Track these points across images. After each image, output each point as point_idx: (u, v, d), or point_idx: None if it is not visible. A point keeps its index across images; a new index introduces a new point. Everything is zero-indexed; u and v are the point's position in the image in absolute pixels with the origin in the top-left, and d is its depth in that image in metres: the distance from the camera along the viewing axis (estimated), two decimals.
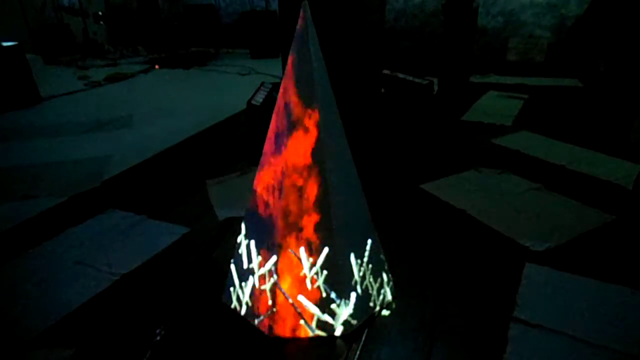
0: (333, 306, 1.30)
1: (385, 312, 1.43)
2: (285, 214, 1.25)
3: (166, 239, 1.88)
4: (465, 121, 3.42)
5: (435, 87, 4.28)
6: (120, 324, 1.42)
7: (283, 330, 1.32)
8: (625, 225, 1.90)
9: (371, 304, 1.40)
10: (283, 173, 1.24)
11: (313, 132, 1.22)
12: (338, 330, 1.32)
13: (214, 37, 7.06)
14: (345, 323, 1.32)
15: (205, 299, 1.51)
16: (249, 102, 3.76)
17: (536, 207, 2.06)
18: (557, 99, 3.97)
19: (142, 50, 7.13)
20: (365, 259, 1.36)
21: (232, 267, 1.44)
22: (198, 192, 2.32)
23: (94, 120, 3.71)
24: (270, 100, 3.51)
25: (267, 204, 1.30)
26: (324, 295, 1.29)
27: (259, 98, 3.70)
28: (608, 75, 4.27)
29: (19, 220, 2.07)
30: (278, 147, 1.26)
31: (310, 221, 1.25)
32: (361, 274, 1.34)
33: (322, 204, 1.24)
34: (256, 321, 1.35)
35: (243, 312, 1.39)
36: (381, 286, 1.43)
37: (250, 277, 1.36)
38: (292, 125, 1.21)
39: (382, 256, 1.46)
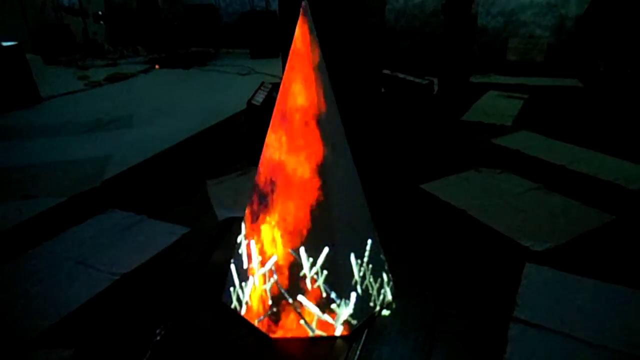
0: (333, 306, 1.30)
1: (385, 312, 1.43)
2: (285, 212, 1.25)
3: (166, 239, 1.88)
4: (465, 121, 3.42)
5: (435, 87, 4.28)
6: (120, 324, 1.42)
7: (283, 330, 1.32)
8: (625, 225, 1.90)
9: (371, 304, 1.40)
10: (283, 172, 1.24)
11: (313, 132, 1.22)
12: (338, 330, 1.32)
13: (214, 37, 7.06)
14: (345, 323, 1.32)
15: (205, 299, 1.51)
16: (249, 102, 3.76)
17: (536, 207, 2.06)
18: (557, 99, 3.97)
19: (142, 50, 7.13)
20: (365, 259, 1.36)
21: (232, 267, 1.44)
22: (198, 192, 2.32)
23: (94, 120, 3.71)
24: (270, 100, 3.51)
25: (267, 202, 1.30)
26: (324, 295, 1.29)
27: (259, 98, 3.71)
28: (608, 75, 4.27)
29: (19, 220, 2.07)
30: (278, 147, 1.26)
31: (310, 221, 1.25)
32: (361, 274, 1.34)
33: (322, 204, 1.24)
34: (256, 321, 1.35)
35: (243, 312, 1.39)
36: (381, 286, 1.43)
37: (250, 277, 1.36)
38: (292, 124, 1.21)
39: (382, 256, 1.46)
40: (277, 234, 1.28)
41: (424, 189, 2.28)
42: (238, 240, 1.43)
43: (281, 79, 1.27)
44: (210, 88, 4.91)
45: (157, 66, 6.02)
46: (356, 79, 2.99)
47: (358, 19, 2.86)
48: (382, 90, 4.02)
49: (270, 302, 1.32)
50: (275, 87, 3.66)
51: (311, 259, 1.27)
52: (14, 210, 2.17)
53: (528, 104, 3.80)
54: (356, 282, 1.33)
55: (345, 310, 1.31)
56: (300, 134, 1.22)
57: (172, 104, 4.20)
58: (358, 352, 1.27)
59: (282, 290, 1.30)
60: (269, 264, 1.30)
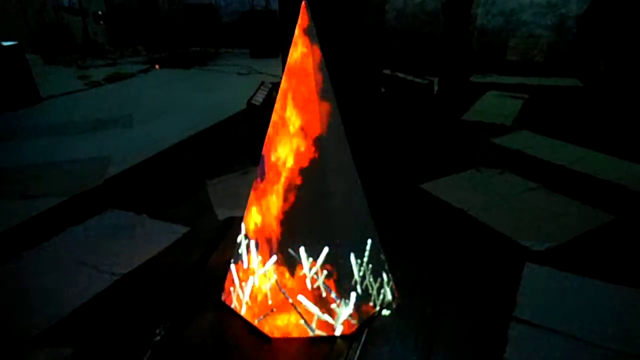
0: (333, 306, 1.30)
1: (385, 312, 1.43)
2: (286, 212, 1.25)
3: (166, 238, 1.87)
4: (465, 121, 3.42)
5: (435, 87, 4.28)
6: (120, 324, 1.42)
7: (283, 330, 1.32)
8: (625, 225, 1.90)
9: (371, 304, 1.40)
10: (283, 172, 1.24)
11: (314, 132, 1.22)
12: (338, 330, 1.32)
13: (213, 37, 7.06)
14: (345, 323, 1.32)
15: (205, 299, 1.51)
16: (248, 101, 3.76)
17: (536, 207, 2.06)
18: (557, 99, 3.97)
19: (142, 50, 7.13)
20: (365, 259, 1.36)
21: (232, 267, 1.44)
22: (198, 192, 2.32)
23: (94, 120, 3.71)
24: (270, 100, 3.51)
25: (267, 202, 1.30)
26: (324, 295, 1.29)
27: (259, 98, 3.70)
28: (608, 74, 4.27)
29: (19, 220, 2.07)
30: (277, 146, 1.26)
31: (310, 221, 1.25)
32: (361, 274, 1.34)
33: (322, 204, 1.24)
34: (256, 321, 1.35)
35: (243, 312, 1.39)
36: (381, 286, 1.43)
37: (250, 277, 1.36)
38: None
39: (382, 256, 1.46)
40: (277, 234, 1.28)
41: (424, 188, 2.28)
42: (238, 240, 1.43)
43: (281, 78, 1.27)
44: (210, 88, 4.91)
45: (157, 66, 6.02)
46: (356, 79, 2.99)
47: (358, 18, 2.86)
48: (382, 90, 4.02)
49: (270, 302, 1.32)
50: (275, 86, 3.66)
51: (311, 259, 1.27)
52: (13, 210, 2.17)
53: (528, 103, 3.80)
54: (356, 282, 1.33)
55: (345, 310, 1.31)
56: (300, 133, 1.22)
57: (172, 104, 4.20)
58: (358, 352, 1.27)
59: (282, 290, 1.30)
60: (269, 264, 1.30)
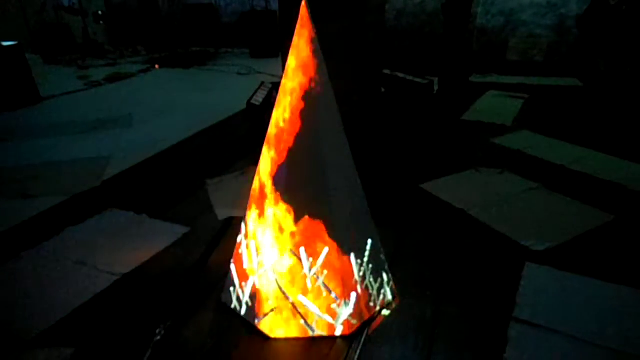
0: (333, 306, 1.30)
1: (385, 312, 1.43)
2: (286, 212, 1.25)
3: (166, 238, 1.87)
4: (465, 121, 3.42)
5: (435, 87, 4.28)
6: (120, 324, 1.42)
7: (283, 330, 1.32)
8: (625, 225, 1.90)
9: (371, 304, 1.40)
10: (283, 172, 1.24)
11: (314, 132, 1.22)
12: (338, 330, 1.32)
13: (213, 37, 7.06)
14: (345, 323, 1.32)
15: (205, 299, 1.51)
16: (248, 102, 3.76)
17: (536, 207, 2.06)
18: (557, 99, 3.97)
19: (142, 50, 7.13)
20: (365, 259, 1.36)
21: (232, 267, 1.44)
22: (198, 192, 2.32)
23: (94, 120, 3.71)
24: (270, 100, 3.51)
25: (267, 201, 1.30)
26: (324, 295, 1.29)
27: (259, 98, 3.71)
28: (608, 75, 4.27)
29: (18, 220, 2.07)
30: (278, 147, 1.26)
31: (310, 221, 1.25)
32: (361, 274, 1.34)
33: (322, 203, 1.24)
34: (256, 321, 1.35)
35: (243, 312, 1.39)
36: (381, 286, 1.43)
37: (250, 277, 1.36)
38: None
39: (382, 256, 1.46)
40: (277, 234, 1.28)
41: (424, 188, 2.28)
42: (238, 240, 1.43)
43: (281, 78, 1.27)
44: (210, 88, 4.91)
45: (157, 66, 6.02)
46: (356, 79, 2.99)
47: (358, 18, 2.86)
48: (382, 90, 4.02)
49: (270, 302, 1.32)
50: (275, 86, 3.67)
51: (311, 259, 1.27)
52: (13, 210, 2.17)
53: (528, 103, 3.80)
54: (356, 282, 1.33)
55: (345, 310, 1.31)
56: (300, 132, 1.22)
57: (171, 104, 4.20)
58: (358, 352, 1.27)
59: (282, 290, 1.29)
60: (270, 264, 1.30)
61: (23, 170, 2.70)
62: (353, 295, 1.31)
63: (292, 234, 1.26)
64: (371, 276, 1.38)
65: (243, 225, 1.41)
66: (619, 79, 4.13)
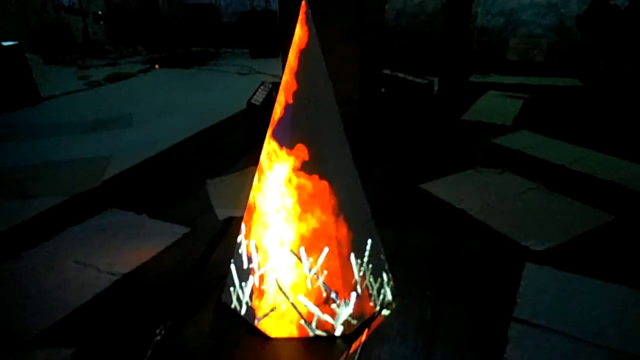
0: (333, 306, 1.30)
1: (385, 312, 1.43)
2: (286, 212, 1.25)
3: (166, 239, 1.88)
4: (465, 121, 3.42)
5: (435, 87, 4.28)
6: (120, 324, 1.42)
7: (283, 330, 1.32)
8: (625, 225, 1.90)
9: (371, 304, 1.40)
10: (283, 172, 1.24)
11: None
12: (338, 330, 1.32)
13: (213, 37, 7.06)
14: (345, 323, 1.32)
15: (205, 299, 1.51)
16: (248, 101, 3.76)
17: (536, 207, 2.06)
18: (557, 99, 3.97)
19: (142, 50, 7.13)
20: (365, 259, 1.36)
21: (232, 267, 1.44)
22: (198, 192, 2.32)
23: (94, 120, 3.71)
24: (270, 100, 3.51)
25: (267, 201, 1.30)
26: (324, 295, 1.29)
27: (259, 98, 3.71)
28: (608, 74, 4.27)
29: (18, 220, 2.07)
30: (277, 146, 1.26)
31: (310, 221, 1.25)
32: (361, 274, 1.34)
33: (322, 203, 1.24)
34: (256, 321, 1.35)
35: (243, 312, 1.39)
36: (381, 286, 1.43)
37: (250, 277, 1.36)
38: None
39: (382, 256, 1.46)
40: (277, 234, 1.28)
41: (424, 188, 2.29)
42: (238, 240, 1.43)
43: (281, 78, 1.27)
44: (210, 88, 4.91)
45: (157, 66, 6.03)
46: (356, 79, 2.99)
47: (358, 18, 2.86)
48: (382, 90, 4.02)
49: (270, 302, 1.32)
50: (275, 86, 3.67)
51: (311, 259, 1.27)
52: (13, 210, 2.17)
53: (528, 103, 3.80)
54: (356, 282, 1.33)
55: (345, 310, 1.31)
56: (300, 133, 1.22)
57: (171, 104, 4.20)
58: (358, 352, 1.27)
59: (282, 290, 1.29)
60: (269, 264, 1.30)
61: (23, 170, 2.70)
62: (353, 295, 1.32)
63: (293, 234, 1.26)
64: (371, 276, 1.38)
65: (243, 225, 1.41)
66: (619, 79, 4.13)
